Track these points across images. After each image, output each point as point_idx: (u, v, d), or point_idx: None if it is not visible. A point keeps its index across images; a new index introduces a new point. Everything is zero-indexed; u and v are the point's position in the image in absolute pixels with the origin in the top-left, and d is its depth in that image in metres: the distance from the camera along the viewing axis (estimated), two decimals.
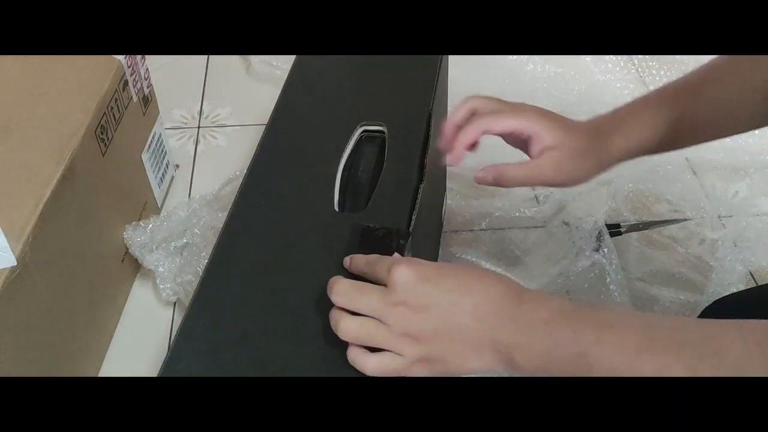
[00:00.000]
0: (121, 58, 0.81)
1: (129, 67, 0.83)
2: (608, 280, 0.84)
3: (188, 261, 0.85)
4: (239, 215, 0.58)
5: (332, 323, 0.46)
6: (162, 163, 0.97)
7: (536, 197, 0.98)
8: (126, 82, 0.83)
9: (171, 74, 1.21)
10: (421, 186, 0.59)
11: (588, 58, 1.20)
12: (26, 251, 0.62)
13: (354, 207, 0.59)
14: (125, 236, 0.85)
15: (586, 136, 0.59)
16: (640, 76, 1.20)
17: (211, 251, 0.55)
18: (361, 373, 0.45)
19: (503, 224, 0.95)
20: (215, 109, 1.18)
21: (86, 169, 0.73)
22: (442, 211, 0.89)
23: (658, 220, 0.95)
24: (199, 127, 1.14)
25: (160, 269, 0.86)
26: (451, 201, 0.97)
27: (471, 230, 0.94)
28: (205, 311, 0.51)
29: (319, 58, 0.73)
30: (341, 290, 0.46)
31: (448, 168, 0.95)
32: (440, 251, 0.90)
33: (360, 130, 0.65)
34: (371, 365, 0.45)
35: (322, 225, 0.56)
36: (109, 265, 0.83)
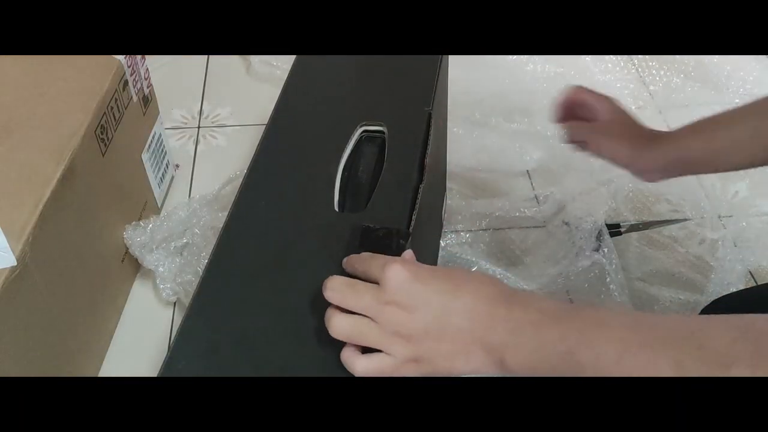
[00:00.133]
0: (121, 58, 0.81)
1: (129, 67, 0.83)
2: (608, 280, 0.84)
3: (188, 261, 0.85)
4: (239, 215, 0.57)
5: (326, 321, 0.46)
6: (162, 163, 0.97)
7: (536, 197, 0.98)
8: (126, 82, 0.83)
9: (171, 74, 1.21)
10: (421, 186, 0.59)
11: (588, 58, 1.20)
12: (26, 251, 0.62)
13: (354, 207, 0.59)
14: (125, 236, 0.85)
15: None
16: (640, 76, 1.20)
17: (211, 251, 0.55)
18: None
19: (503, 224, 0.95)
20: (215, 109, 1.18)
21: (86, 169, 0.73)
22: (442, 211, 0.89)
23: (658, 220, 0.95)
24: (199, 127, 1.14)
25: (160, 269, 0.86)
26: (451, 201, 0.97)
27: (471, 230, 0.94)
28: (205, 311, 0.50)
29: (319, 58, 0.73)
30: (335, 287, 0.46)
31: (448, 168, 0.95)
32: (440, 251, 0.90)
33: (360, 130, 0.64)
34: (360, 366, 0.44)
35: (322, 225, 0.56)
36: (109, 265, 0.83)
